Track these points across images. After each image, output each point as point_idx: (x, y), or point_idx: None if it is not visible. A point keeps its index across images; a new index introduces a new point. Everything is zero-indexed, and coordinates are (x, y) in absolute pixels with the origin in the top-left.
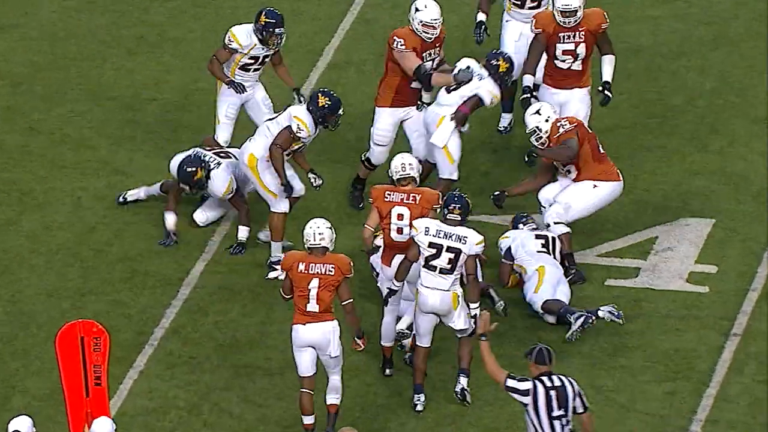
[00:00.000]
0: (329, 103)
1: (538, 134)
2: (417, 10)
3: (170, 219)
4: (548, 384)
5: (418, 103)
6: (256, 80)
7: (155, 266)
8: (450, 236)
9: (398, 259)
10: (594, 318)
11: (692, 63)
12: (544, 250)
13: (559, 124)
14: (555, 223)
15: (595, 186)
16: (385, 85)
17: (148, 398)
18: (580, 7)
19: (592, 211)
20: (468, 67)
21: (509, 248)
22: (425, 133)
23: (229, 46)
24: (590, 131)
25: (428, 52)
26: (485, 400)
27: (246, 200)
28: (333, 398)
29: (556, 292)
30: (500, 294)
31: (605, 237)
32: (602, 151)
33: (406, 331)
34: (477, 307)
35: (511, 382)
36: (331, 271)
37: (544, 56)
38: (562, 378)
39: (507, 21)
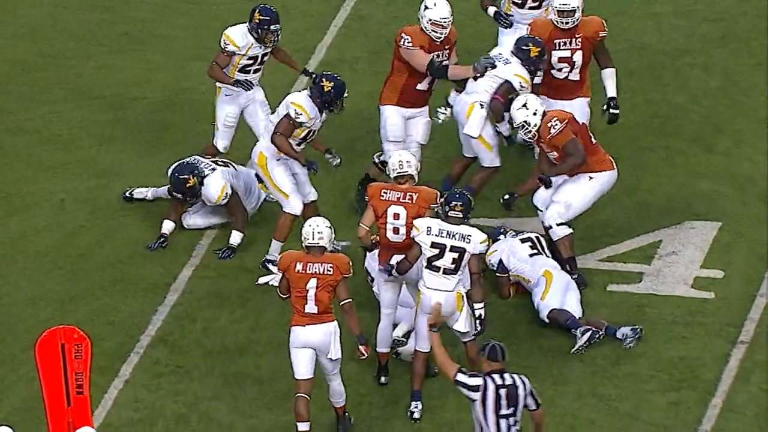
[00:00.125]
0: (333, 86)
1: (527, 128)
2: (426, 7)
3: (167, 224)
4: (499, 382)
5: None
6: (256, 83)
7: (141, 271)
8: (453, 235)
9: (397, 259)
10: (601, 334)
11: (697, 61)
12: (535, 251)
13: (549, 124)
14: (557, 224)
15: (591, 178)
16: (389, 85)
17: (134, 409)
18: (578, 8)
19: (591, 203)
20: (488, 55)
21: (500, 261)
22: (418, 141)
23: (226, 49)
24: (580, 123)
25: (436, 53)
26: None
27: (245, 207)
28: (339, 401)
29: (566, 298)
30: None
31: (607, 241)
32: (594, 140)
33: (402, 338)
34: (482, 308)
35: (461, 377)
36: (330, 271)
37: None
38: (514, 377)
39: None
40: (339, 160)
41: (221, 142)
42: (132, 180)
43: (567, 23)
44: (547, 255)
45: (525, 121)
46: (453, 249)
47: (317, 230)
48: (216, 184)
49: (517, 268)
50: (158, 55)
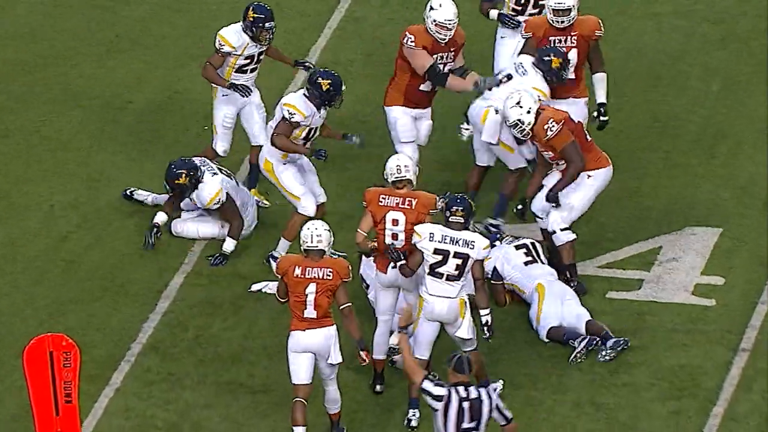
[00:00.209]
0: (331, 83)
1: (521, 127)
2: (431, 8)
3: (161, 216)
4: (463, 394)
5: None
6: (253, 83)
7: (132, 278)
8: (457, 241)
9: (394, 265)
10: (598, 341)
11: (697, 63)
12: (530, 258)
13: (546, 126)
14: (561, 230)
15: (589, 176)
16: (394, 85)
17: (125, 417)
18: (573, 6)
19: (591, 202)
20: (491, 77)
21: (494, 268)
22: (420, 143)
23: (222, 50)
24: (576, 121)
25: (440, 55)
26: None
27: (241, 215)
28: (334, 408)
29: (564, 308)
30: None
31: (606, 247)
32: (589, 138)
33: (398, 346)
34: (488, 314)
35: (426, 384)
36: (329, 276)
37: None
38: (480, 391)
39: (502, 37)
40: (360, 139)
41: (221, 145)
42: (124, 184)
43: (562, 22)
44: (542, 262)
45: (519, 120)
46: (456, 255)
47: (316, 233)
48: (212, 188)
49: (512, 276)
50: (152, 57)
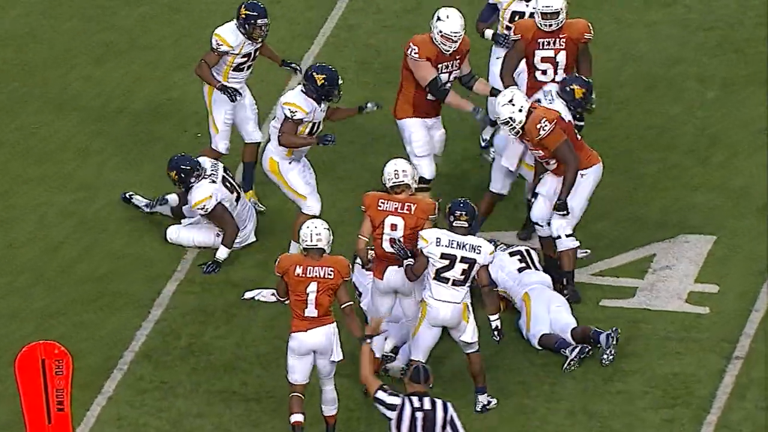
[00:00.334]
0: (327, 77)
1: (512, 125)
2: (439, 19)
3: (172, 197)
4: (416, 405)
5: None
6: (245, 81)
7: (125, 286)
8: (463, 246)
9: (392, 270)
10: (590, 350)
11: (692, 70)
12: (523, 265)
13: (539, 125)
14: (567, 235)
15: (582, 176)
16: (402, 98)
17: (117, 426)
18: (562, 9)
19: (588, 200)
20: (485, 113)
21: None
22: (436, 153)
23: (219, 49)
24: (566, 120)
25: (445, 64)
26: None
27: (235, 223)
28: (330, 409)
29: (553, 315)
30: None
31: (600, 255)
32: (579, 137)
33: (391, 354)
34: (497, 319)
35: (380, 394)
36: (330, 275)
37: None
38: (436, 402)
39: (498, 58)
40: (375, 105)
41: (222, 144)
42: (115, 193)
43: (550, 25)
44: (537, 269)
45: (510, 118)
46: (463, 260)
47: (315, 232)
48: (201, 193)
49: (505, 284)
50: (142, 65)
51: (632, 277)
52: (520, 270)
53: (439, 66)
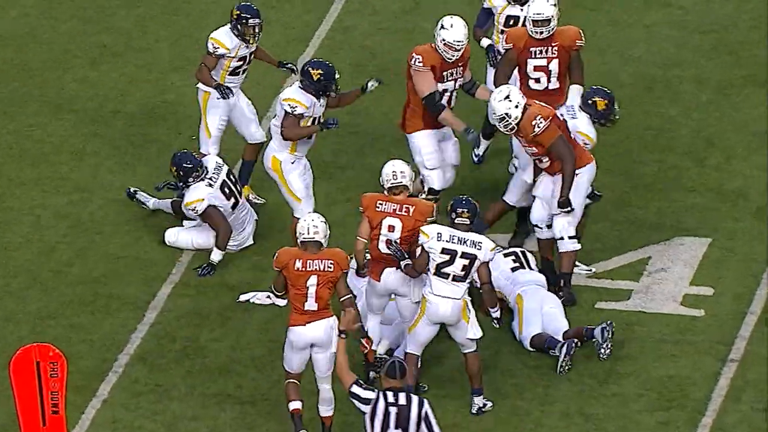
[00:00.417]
0: (323, 72)
1: (507, 121)
2: (442, 27)
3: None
4: (391, 400)
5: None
6: (240, 86)
7: (119, 288)
8: (464, 242)
9: (389, 272)
10: (578, 342)
11: (688, 72)
12: (517, 265)
13: (534, 122)
14: (570, 237)
15: (576, 174)
16: (410, 111)
17: (112, 429)
18: (553, 17)
19: (585, 198)
20: (473, 133)
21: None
22: (451, 163)
23: (216, 52)
24: (560, 118)
25: (449, 71)
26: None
27: (227, 224)
28: (327, 410)
29: (543, 319)
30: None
31: (595, 257)
32: (573, 135)
33: (386, 356)
34: (497, 310)
35: (355, 389)
36: (330, 267)
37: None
38: (412, 398)
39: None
40: (376, 81)
41: (212, 149)
42: (117, 189)
43: (541, 33)
44: (531, 269)
45: (506, 113)
46: (464, 255)
47: (312, 225)
48: (194, 194)
49: (498, 283)
50: (137, 67)
51: (627, 280)
52: (513, 270)
53: (444, 74)
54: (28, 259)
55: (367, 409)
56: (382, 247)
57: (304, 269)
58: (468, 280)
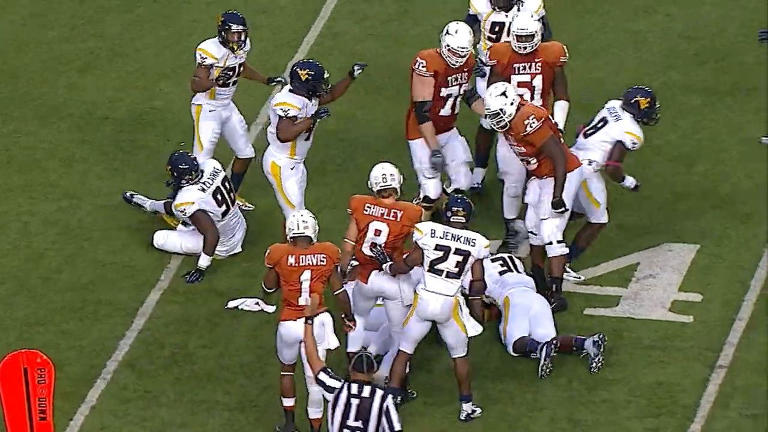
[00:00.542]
0: (311, 73)
1: (501, 117)
2: (447, 33)
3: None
4: (354, 391)
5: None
6: (231, 99)
7: (108, 295)
8: (458, 238)
9: (377, 273)
10: (557, 342)
11: (676, 79)
12: (505, 268)
13: (526, 121)
14: (558, 241)
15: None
16: (413, 118)
17: None
18: (536, 32)
19: (572, 202)
20: (439, 158)
21: (471, 282)
22: (464, 160)
23: (205, 62)
24: (553, 122)
25: (454, 76)
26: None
27: (215, 230)
28: (316, 412)
29: (530, 323)
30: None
31: (584, 263)
32: (562, 140)
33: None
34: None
35: (322, 375)
36: (323, 261)
37: None
38: (376, 392)
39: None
40: (361, 66)
41: (201, 160)
42: (105, 195)
43: (525, 48)
44: (519, 272)
45: (501, 109)
46: (458, 252)
47: (302, 220)
48: (185, 197)
49: (488, 287)
50: (126, 74)
51: (616, 286)
52: (501, 273)
53: (449, 79)
54: (16, 265)
55: (330, 397)
56: (366, 250)
57: (297, 264)
58: (462, 278)
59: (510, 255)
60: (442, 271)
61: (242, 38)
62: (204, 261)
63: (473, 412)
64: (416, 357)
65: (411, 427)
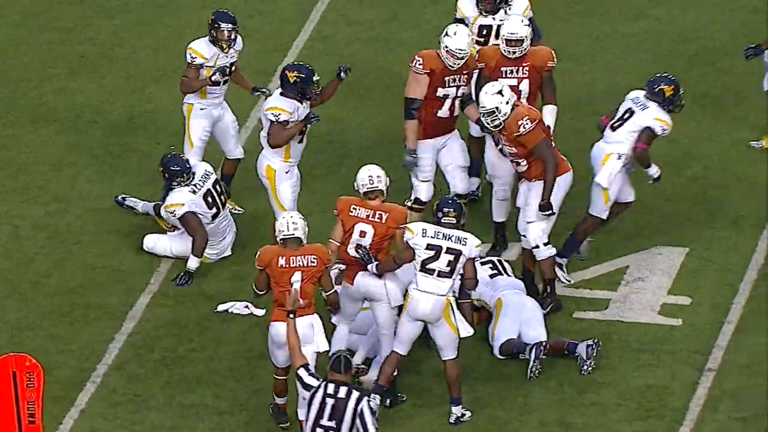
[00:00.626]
0: (300, 75)
1: (495, 116)
2: (446, 34)
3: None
4: (330, 391)
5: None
6: (223, 98)
7: (97, 299)
8: (449, 237)
9: (363, 275)
10: (546, 344)
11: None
12: (495, 272)
13: (520, 122)
14: (544, 244)
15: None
16: None
17: None
18: (526, 37)
19: (559, 207)
20: (413, 158)
21: (461, 286)
22: (460, 164)
23: (194, 62)
24: (545, 124)
25: (451, 77)
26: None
27: (204, 232)
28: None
29: (521, 327)
30: None
31: (573, 266)
32: (553, 144)
33: (363, 366)
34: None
35: (302, 372)
36: (314, 262)
37: None
38: (352, 393)
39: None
40: (346, 67)
41: (193, 160)
42: (88, 205)
43: (514, 53)
44: (509, 275)
45: (496, 107)
46: (449, 251)
47: (291, 221)
48: (175, 198)
49: (479, 290)
50: (116, 77)
51: (605, 289)
52: (491, 276)
53: (446, 79)
54: (6, 269)
55: (306, 394)
56: (351, 251)
57: (287, 266)
58: (454, 277)
59: (499, 258)
60: (434, 270)
61: (232, 37)
62: (193, 263)
63: (463, 415)
64: (405, 359)
65: (400, 430)
